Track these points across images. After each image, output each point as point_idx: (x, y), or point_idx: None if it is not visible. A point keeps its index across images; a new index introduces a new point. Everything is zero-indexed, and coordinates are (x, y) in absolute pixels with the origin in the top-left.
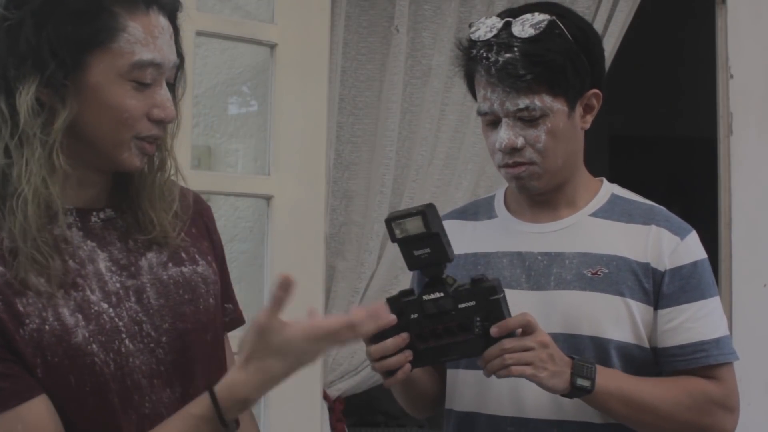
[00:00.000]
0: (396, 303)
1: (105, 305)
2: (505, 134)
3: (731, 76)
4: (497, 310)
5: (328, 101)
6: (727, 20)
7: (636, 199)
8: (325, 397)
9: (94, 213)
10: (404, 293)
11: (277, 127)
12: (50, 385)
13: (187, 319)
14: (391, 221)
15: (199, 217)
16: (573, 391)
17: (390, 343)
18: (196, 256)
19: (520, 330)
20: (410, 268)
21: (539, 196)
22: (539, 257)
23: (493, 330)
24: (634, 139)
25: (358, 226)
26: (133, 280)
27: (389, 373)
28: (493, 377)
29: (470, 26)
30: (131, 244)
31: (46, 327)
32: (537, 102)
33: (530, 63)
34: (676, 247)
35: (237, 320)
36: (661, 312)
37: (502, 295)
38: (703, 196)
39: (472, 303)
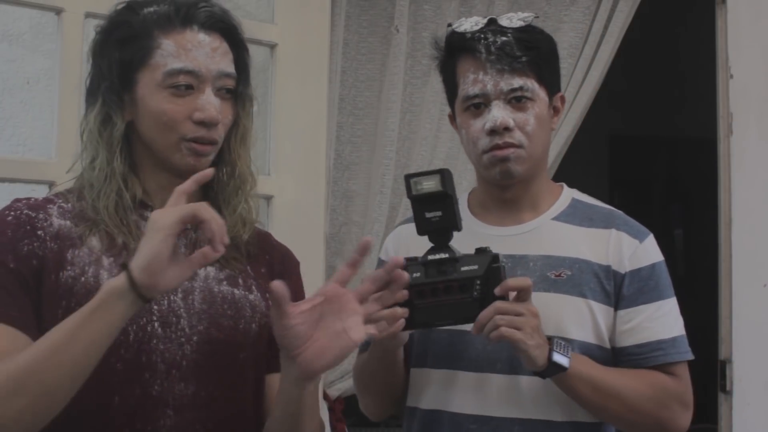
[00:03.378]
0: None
1: None
2: (498, 113)
3: (731, 76)
4: (497, 277)
5: (328, 101)
6: (727, 20)
7: (595, 204)
8: (325, 397)
9: None
10: (409, 258)
11: (277, 127)
12: None
13: (222, 330)
14: (410, 177)
15: (279, 264)
16: (550, 367)
17: (388, 294)
18: (253, 286)
19: (514, 294)
20: (420, 232)
21: (509, 191)
22: (504, 259)
23: (497, 289)
24: (634, 139)
25: (358, 226)
26: (186, 281)
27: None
28: (460, 375)
29: (450, 25)
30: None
31: (83, 279)
32: (529, 84)
33: (524, 47)
34: (635, 250)
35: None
36: (621, 312)
37: (503, 264)
38: (703, 196)
39: (475, 267)
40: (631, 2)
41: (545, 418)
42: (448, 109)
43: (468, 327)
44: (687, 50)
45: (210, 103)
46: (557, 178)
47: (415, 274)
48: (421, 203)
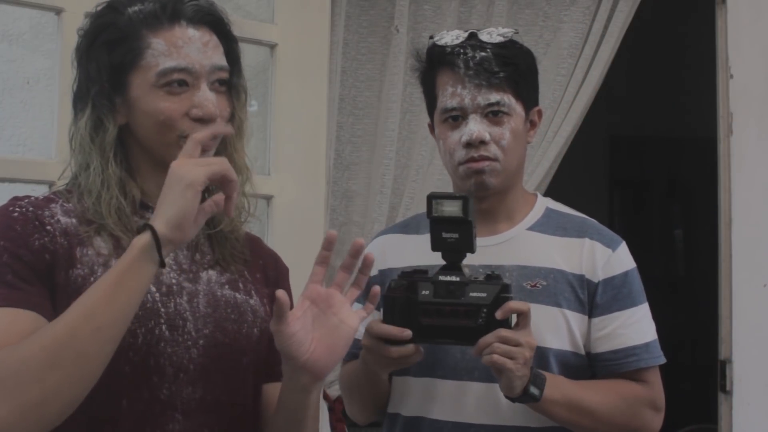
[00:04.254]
0: (410, 276)
1: (153, 288)
2: (475, 126)
3: (731, 76)
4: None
5: (328, 101)
6: (727, 20)
7: (569, 213)
8: (325, 397)
9: None
10: (419, 270)
11: (277, 127)
12: None
13: (226, 334)
14: (432, 198)
15: (272, 270)
16: (521, 397)
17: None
18: (253, 291)
19: (515, 317)
20: (434, 249)
21: (485, 202)
22: (480, 270)
23: (498, 313)
24: (634, 139)
25: (358, 226)
26: (190, 284)
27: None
28: (439, 383)
29: (431, 37)
30: (198, 257)
31: (92, 278)
32: (506, 99)
33: (502, 63)
34: (608, 258)
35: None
36: (595, 320)
37: (512, 296)
38: (703, 196)
39: (483, 294)
40: (631, 2)
41: (522, 425)
42: None
43: None
44: (687, 50)
45: (207, 99)
46: (557, 178)
47: (423, 292)
48: (440, 224)
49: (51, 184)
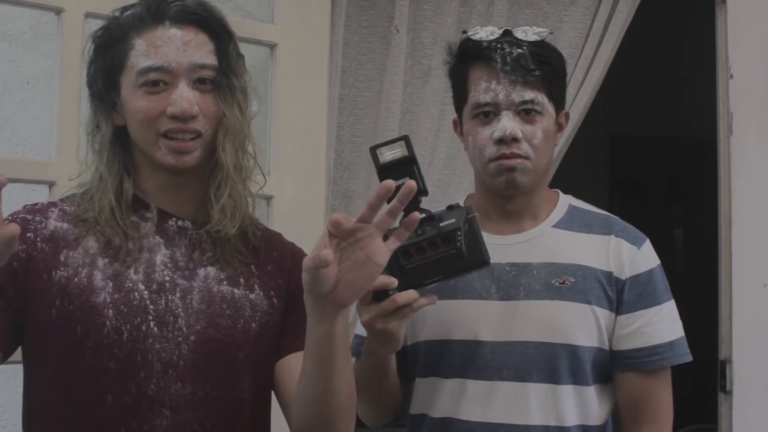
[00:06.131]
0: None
1: (142, 286)
2: (508, 123)
3: (731, 76)
4: (474, 227)
5: (328, 101)
6: (727, 20)
7: (592, 210)
8: None
9: (173, 218)
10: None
11: (277, 127)
12: (59, 326)
13: (219, 330)
14: (375, 149)
15: (289, 260)
16: None
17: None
18: (255, 285)
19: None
20: (389, 202)
21: (512, 203)
22: (507, 268)
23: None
24: (634, 139)
25: None
26: (185, 281)
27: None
28: (469, 384)
29: (464, 32)
30: (196, 254)
31: (76, 279)
32: (539, 98)
33: (538, 61)
34: (634, 256)
35: None
36: (621, 318)
37: (476, 214)
38: (703, 196)
39: (453, 220)
40: (631, 2)
41: (553, 424)
42: (448, 109)
43: (480, 337)
44: (687, 50)
45: (182, 97)
46: (557, 178)
47: None
48: (389, 172)
49: (51, 184)
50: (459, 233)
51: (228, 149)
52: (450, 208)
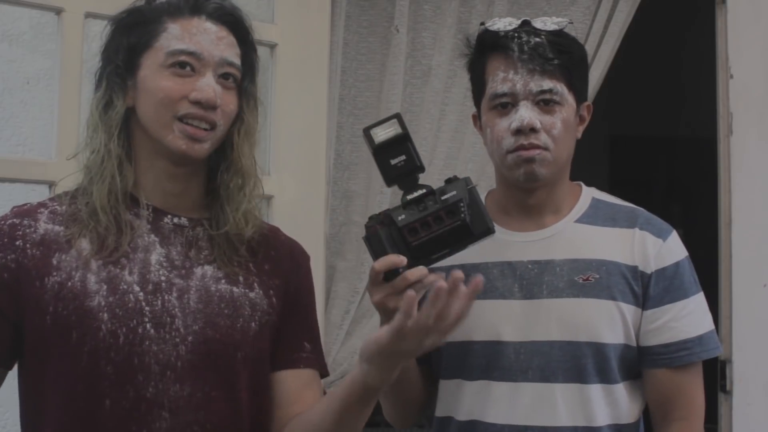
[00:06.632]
0: (380, 215)
1: (137, 288)
2: (526, 113)
3: (731, 76)
4: (476, 196)
5: (328, 101)
6: (727, 20)
7: (616, 203)
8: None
9: (169, 216)
10: (380, 214)
11: (277, 127)
12: (55, 332)
13: (218, 330)
14: (367, 130)
15: (287, 260)
16: None
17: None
18: (255, 284)
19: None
20: (388, 183)
21: (533, 197)
22: (529, 266)
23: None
24: (634, 139)
25: (358, 226)
26: (181, 280)
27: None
28: (494, 385)
29: (482, 24)
30: (193, 253)
31: (69, 283)
32: (558, 87)
33: (557, 50)
34: (659, 249)
35: (313, 364)
36: (647, 312)
37: (476, 185)
38: (703, 196)
39: (454, 192)
40: (631, 2)
41: (580, 425)
42: (448, 109)
43: (503, 337)
44: (687, 50)
45: (208, 85)
46: None
47: (400, 217)
48: (384, 152)
49: (51, 184)
50: (462, 204)
51: (246, 153)
52: (449, 180)
